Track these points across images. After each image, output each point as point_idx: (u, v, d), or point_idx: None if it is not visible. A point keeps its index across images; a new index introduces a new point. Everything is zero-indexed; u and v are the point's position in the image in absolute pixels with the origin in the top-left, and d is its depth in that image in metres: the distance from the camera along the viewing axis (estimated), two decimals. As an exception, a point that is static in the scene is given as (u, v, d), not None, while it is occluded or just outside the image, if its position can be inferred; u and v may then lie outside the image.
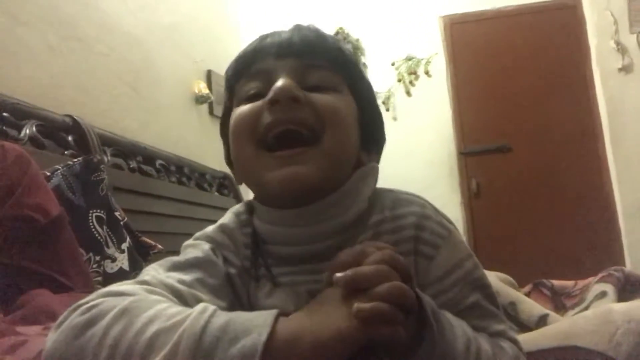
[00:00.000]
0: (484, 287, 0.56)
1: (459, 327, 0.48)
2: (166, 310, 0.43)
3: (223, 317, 0.42)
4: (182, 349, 0.39)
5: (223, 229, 0.61)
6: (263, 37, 0.62)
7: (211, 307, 0.43)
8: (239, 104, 0.59)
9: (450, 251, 0.55)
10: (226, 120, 0.63)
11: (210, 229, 0.61)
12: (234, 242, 0.59)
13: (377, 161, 0.65)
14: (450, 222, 0.59)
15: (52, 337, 0.44)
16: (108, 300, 0.45)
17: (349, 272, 0.42)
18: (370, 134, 0.63)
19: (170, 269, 0.54)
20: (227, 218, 0.62)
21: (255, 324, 0.41)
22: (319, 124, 0.55)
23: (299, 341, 0.40)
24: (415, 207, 0.57)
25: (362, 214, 0.57)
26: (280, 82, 0.54)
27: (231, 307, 0.55)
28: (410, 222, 0.55)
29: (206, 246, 0.58)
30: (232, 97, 0.62)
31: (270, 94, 0.54)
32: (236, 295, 0.57)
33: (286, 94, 0.54)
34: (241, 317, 0.42)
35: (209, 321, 0.41)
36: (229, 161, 0.64)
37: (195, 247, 0.58)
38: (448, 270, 0.54)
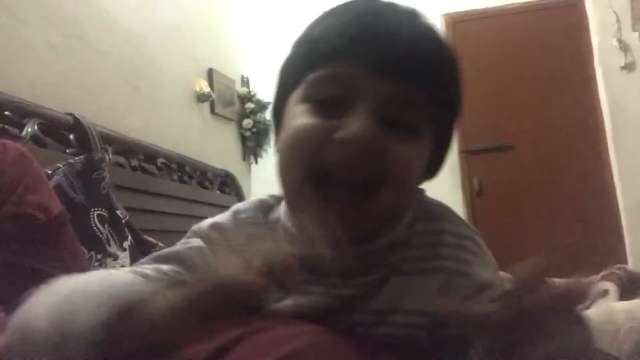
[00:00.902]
0: None
1: None
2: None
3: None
4: None
5: (216, 226, 0.59)
6: (355, 24, 0.49)
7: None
8: (304, 100, 0.51)
9: (483, 265, 0.54)
10: (290, 76, 0.54)
11: (205, 224, 0.59)
12: (226, 241, 0.57)
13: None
14: (478, 235, 0.57)
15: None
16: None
17: None
18: (435, 164, 0.57)
19: (150, 261, 0.54)
20: (223, 216, 0.60)
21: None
22: (384, 179, 0.48)
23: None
24: (447, 224, 0.54)
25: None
26: (358, 126, 0.46)
27: None
28: (444, 240, 0.53)
29: (195, 243, 0.56)
30: (300, 79, 0.52)
31: (344, 134, 0.46)
32: None
33: (360, 145, 0.46)
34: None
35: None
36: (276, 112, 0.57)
37: (183, 244, 0.57)
38: (485, 284, 0.52)
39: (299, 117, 0.50)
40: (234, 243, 0.57)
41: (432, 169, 0.58)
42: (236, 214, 0.60)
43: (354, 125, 0.46)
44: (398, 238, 0.54)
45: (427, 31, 0.51)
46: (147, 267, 0.52)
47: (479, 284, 0.52)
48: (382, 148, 0.47)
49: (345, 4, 0.53)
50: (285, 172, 0.52)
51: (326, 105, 0.49)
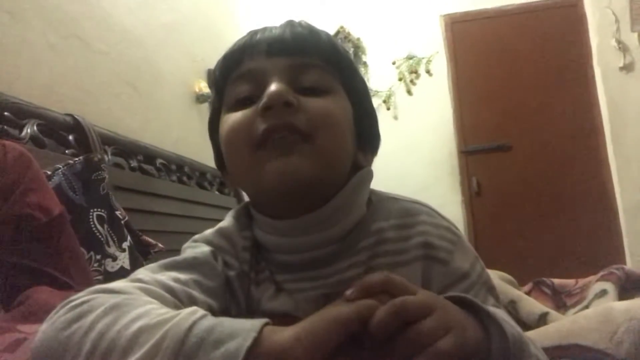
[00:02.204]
0: (493, 289, 0.57)
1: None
2: (156, 309, 0.43)
3: (211, 320, 0.40)
4: (164, 347, 0.38)
5: (222, 232, 0.60)
6: (252, 34, 0.60)
7: (201, 311, 0.42)
8: (230, 108, 0.58)
9: (463, 255, 0.56)
10: (215, 122, 0.61)
11: (209, 232, 0.61)
12: (232, 245, 0.59)
13: (372, 161, 0.64)
14: (456, 228, 0.59)
15: (41, 330, 0.44)
16: (99, 297, 0.45)
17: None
18: (366, 134, 0.62)
19: (166, 268, 0.54)
20: (226, 221, 0.62)
21: (243, 328, 0.39)
22: (313, 129, 0.53)
23: (285, 348, 0.38)
24: (424, 215, 0.57)
25: (362, 219, 0.57)
26: (273, 87, 0.53)
27: (227, 310, 0.55)
28: (420, 230, 0.56)
29: (206, 248, 0.58)
30: (221, 99, 0.60)
31: (264, 100, 0.53)
32: (234, 298, 0.57)
33: (279, 99, 0.52)
34: (229, 321, 0.41)
35: (196, 322, 0.40)
36: (220, 165, 0.64)
37: (194, 249, 0.58)
38: (463, 274, 0.54)
39: (231, 117, 0.57)
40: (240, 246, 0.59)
41: (371, 142, 0.63)
42: (238, 218, 0.61)
43: (271, 88, 0.53)
44: (360, 220, 0.57)
45: (301, 23, 0.61)
46: (164, 276, 0.51)
47: (457, 273, 0.54)
48: (300, 102, 0.54)
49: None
50: (236, 158, 0.57)
51: (249, 100, 0.56)
